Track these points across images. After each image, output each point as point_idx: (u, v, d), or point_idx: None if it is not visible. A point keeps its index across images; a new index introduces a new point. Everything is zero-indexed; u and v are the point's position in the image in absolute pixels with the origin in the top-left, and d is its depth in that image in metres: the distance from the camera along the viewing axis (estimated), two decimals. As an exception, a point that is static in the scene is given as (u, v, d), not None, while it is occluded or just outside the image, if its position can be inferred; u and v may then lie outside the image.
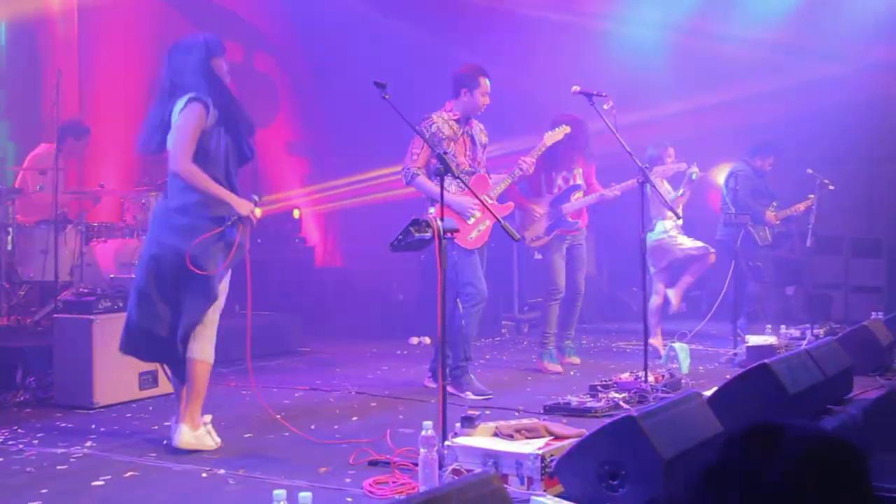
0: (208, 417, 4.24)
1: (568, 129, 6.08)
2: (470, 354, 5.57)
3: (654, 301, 7.06)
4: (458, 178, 4.05)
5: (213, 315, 4.21)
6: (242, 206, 4.15)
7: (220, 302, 4.23)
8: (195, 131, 4.05)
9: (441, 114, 5.59)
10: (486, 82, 5.57)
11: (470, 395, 5.37)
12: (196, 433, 4.14)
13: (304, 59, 11.02)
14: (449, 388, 5.40)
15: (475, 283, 5.51)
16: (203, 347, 4.18)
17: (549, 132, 6.00)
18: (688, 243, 7.14)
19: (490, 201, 5.60)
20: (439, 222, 3.70)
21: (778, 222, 7.90)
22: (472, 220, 5.53)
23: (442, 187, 3.84)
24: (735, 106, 9.04)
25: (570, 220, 6.49)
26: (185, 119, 4.07)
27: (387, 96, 3.90)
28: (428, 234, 3.74)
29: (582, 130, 6.37)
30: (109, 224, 7.10)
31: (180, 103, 4.09)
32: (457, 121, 5.58)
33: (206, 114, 4.08)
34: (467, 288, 5.50)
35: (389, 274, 9.10)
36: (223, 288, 4.23)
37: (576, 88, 5.36)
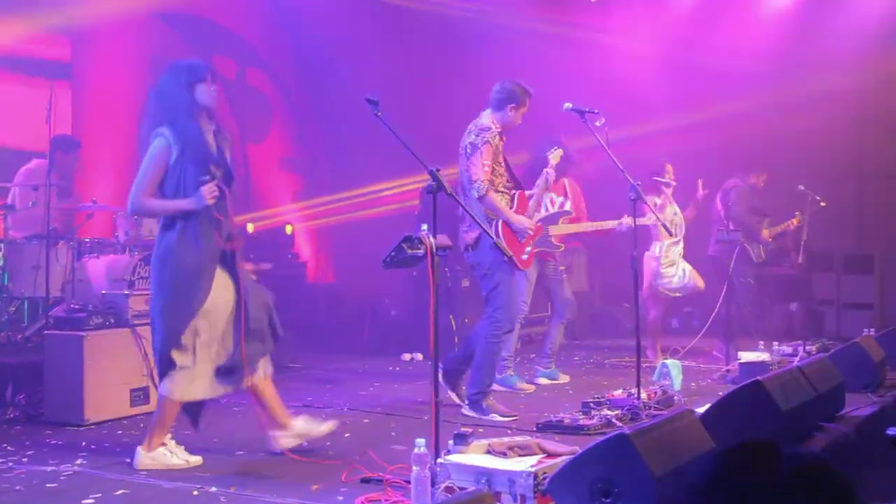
0: (167, 437, 4.23)
1: (561, 152, 6.08)
2: (491, 380, 5.46)
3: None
4: (450, 195, 4.00)
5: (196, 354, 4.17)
6: (195, 201, 4.09)
7: (187, 344, 4.14)
8: (155, 169, 4.11)
9: (490, 126, 5.46)
10: (528, 103, 5.54)
11: (496, 418, 5.26)
12: (151, 454, 4.15)
13: (296, 75, 11.05)
14: (470, 413, 5.37)
15: (507, 309, 5.37)
16: (164, 384, 4.18)
17: (551, 152, 5.96)
18: (675, 282, 7.24)
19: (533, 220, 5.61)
20: (432, 239, 3.70)
21: (771, 239, 7.95)
22: (524, 240, 5.53)
23: (435, 204, 3.83)
24: (727, 121, 9.08)
25: (554, 242, 6.47)
26: (147, 159, 4.13)
27: (379, 113, 3.90)
28: (420, 251, 3.74)
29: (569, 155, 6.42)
30: (101, 240, 7.08)
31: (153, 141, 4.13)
32: (499, 134, 5.50)
33: (168, 149, 4.09)
34: (498, 313, 5.36)
35: (382, 290, 9.08)
36: (200, 327, 4.16)
37: (568, 105, 5.37)
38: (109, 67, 8.61)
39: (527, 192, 5.73)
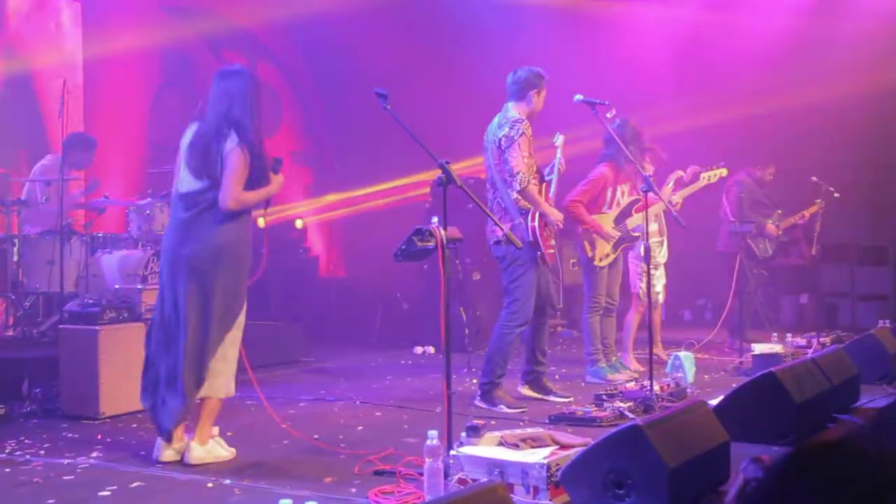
0: (215, 430, 4.26)
1: (563, 138, 5.85)
2: (503, 371, 5.40)
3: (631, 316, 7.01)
4: (460, 187, 3.97)
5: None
6: (273, 188, 4.31)
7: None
8: (242, 175, 4.18)
9: (521, 117, 5.38)
10: (545, 86, 5.49)
11: (504, 409, 5.24)
12: (206, 447, 4.17)
13: (306, 69, 11.06)
14: (480, 404, 5.36)
15: (524, 303, 5.36)
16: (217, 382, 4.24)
17: (555, 138, 5.72)
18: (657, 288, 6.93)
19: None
20: (442, 232, 3.70)
21: (781, 233, 7.91)
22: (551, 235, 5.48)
23: (445, 197, 3.82)
24: (740, 111, 8.98)
25: (633, 234, 6.40)
26: (234, 164, 4.16)
27: (388, 106, 3.89)
28: (431, 244, 3.74)
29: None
30: (114, 235, 7.12)
31: (228, 145, 4.15)
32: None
33: (247, 160, 4.17)
34: (515, 305, 5.37)
35: (393, 283, 9.10)
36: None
37: (578, 97, 5.33)
38: (120, 62, 8.63)
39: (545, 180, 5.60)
